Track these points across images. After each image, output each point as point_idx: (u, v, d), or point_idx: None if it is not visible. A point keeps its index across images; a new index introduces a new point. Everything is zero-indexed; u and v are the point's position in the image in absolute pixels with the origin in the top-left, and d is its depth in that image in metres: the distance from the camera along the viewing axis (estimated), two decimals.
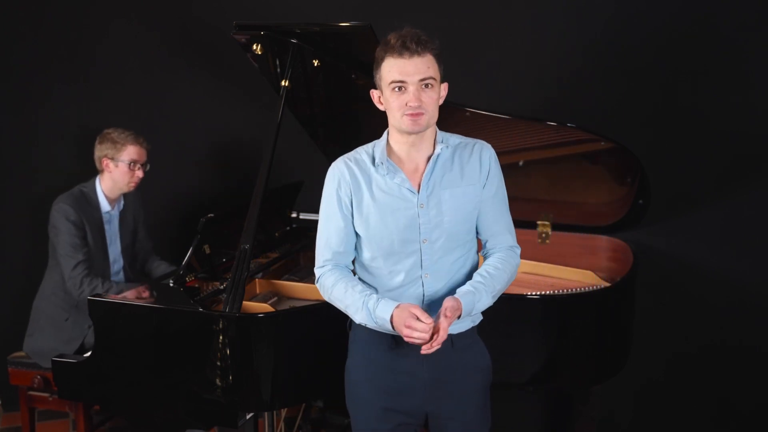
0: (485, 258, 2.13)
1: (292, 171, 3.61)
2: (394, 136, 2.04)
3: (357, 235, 2.06)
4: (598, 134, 2.87)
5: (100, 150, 3.11)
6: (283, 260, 3.17)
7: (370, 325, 1.98)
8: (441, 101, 1.99)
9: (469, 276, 2.07)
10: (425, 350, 1.89)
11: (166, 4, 3.68)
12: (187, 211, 3.81)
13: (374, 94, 2.03)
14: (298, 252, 3.30)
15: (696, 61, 3.27)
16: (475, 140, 2.10)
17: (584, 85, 3.37)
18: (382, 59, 1.95)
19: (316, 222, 3.55)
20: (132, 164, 3.10)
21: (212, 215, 2.77)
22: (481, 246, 2.16)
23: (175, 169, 3.86)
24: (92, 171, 3.18)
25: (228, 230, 2.98)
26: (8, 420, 3.72)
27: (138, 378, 2.53)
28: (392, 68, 1.92)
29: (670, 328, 3.41)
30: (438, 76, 1.95)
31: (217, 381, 2.40)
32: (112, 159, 3.08)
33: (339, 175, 2.04)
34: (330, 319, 2.52)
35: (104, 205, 3.13)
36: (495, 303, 2.04)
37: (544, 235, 3.30)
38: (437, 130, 2.05)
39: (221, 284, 2.81)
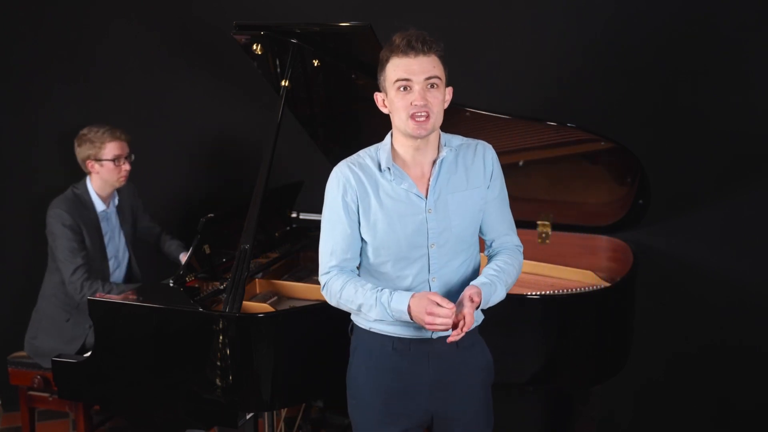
0: (490, 257, 2.13)
1: (292, 171, 3.61)
2: (398, 139, 2.01)
3: (363, 240, 2.04)
4: (598, 134, 2.87)
5: (80, 153, 3.08)
6: (283, 260, 3.17)
7: (387, 319, 1.97)
8: (446, 105, 1.98)
9: (473, 277, 2.07)
10: (453, 338, 1.87)
11: (166, 4, 3.68)
12: (186, 210, 3.81)
13: (378, 97, 2.02)
14: (298, 252, 3.30)
15: (696, 61, 3.27)
16: (477, 141, 2.09)
17: (584, 85, 3.37)
18: (387, 60, 1.94)
19: (316, 222, 3.59)
20: (116, 160, 3.07)
21: (212, 215, 2.77)
22: (483, 246, 2.16)
23: (174, 168, 3.86)
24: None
25: (228, 230, 2.98)
26: (8, 420, 3.72)
27: (138, 378, 2.53)
28: (397, 67, 1.91)
29: (670, 328, 3.41)
30: (443, 78, 1.94)
31: (217, 381, 2.40)
32: (95, 160, 3.06)
33: (344, 180, 2.01)
34: (330, 319, 2.52)
35: (99, 205, 3.12)
36: (496, 303, 2.03)
37: (544, 235, 3.30)
38: (440, 132, 2.04)
39: (221, 284, 2.81)
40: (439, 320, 1.85)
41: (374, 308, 1.96)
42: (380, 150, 2.04)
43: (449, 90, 1.99)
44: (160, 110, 3.77)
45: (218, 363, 2.40)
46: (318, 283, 3.02)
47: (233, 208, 3.06)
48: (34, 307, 3.15)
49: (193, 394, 2.45)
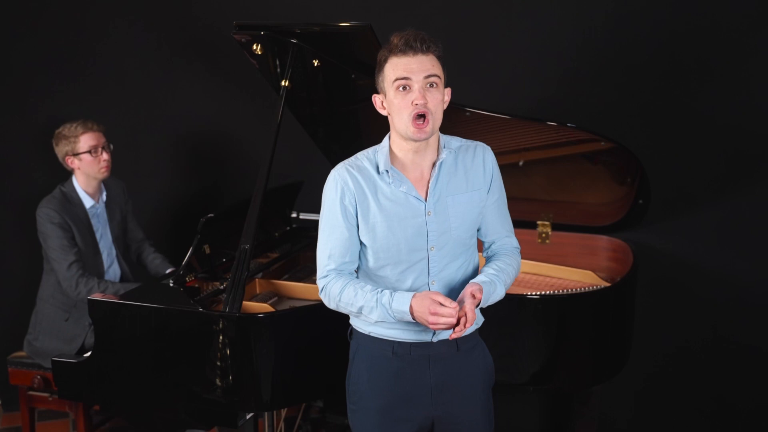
0: (489, 258, 2.13)
1: (292, 171, 3.61)
2: (397, 142, 2.00)
3: (362, 243, 2.03)
4: (598, 134, 2.87)
5: (59, 151, 3.11)
6: (283, 260, 3.17)
7: (389, 320, 1.96)
8: (445, 106, 1.96)
9: (472, 278, 2.07)
10: (456, 335, 1.87)
11: (166, 4, 3.68)
12: (186, 210, 3.81)
13: (376, 99, 2.00)
14: (298, 252, 3.30)
15: (696, 60, 3.27)
16: (476, 142, 2.08)
17: (584, 85, 3.37)
18: (386, 60, 1.93)
19: (316, 222, 3.57)
20: (93, 151, 3.08)
21: (212, 215, 2.77)
22: (481, 246, 2.16)
23: (174, 168, 3.86)
24: None
25: (228, 230, 2.98)
26: (8, 420, 3.71)
27: (138, 378, 2.53)
28: (396, 66, 1.90)
29: (670, 328, 3.41)
30: (442, 77, 1.93)
31: (217, 381, 2.40)
32: (73, 155, 3.08)
33: (342, 183, 1.98)
34: (330, 320, 2.52)
35: (86, 201, 3.13)
36: (495, 303, 2.03)
37: (544, 235, 3.29)
38: (439, 134, 2.03)
39: (221, 284, 2.81)
40: (442, 320, 1.85)
41: (375, 310, 1.95)
42: (378, 152, 2.02)
43: (448, 91, 1.98)
44: (160, 110, 3.77)
45: (218, 363, 2.40)
46: None
47: (233, 207, 3.06)
48: (33, 309, 3.15)
49: (193, 394, 2.45)
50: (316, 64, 2.83)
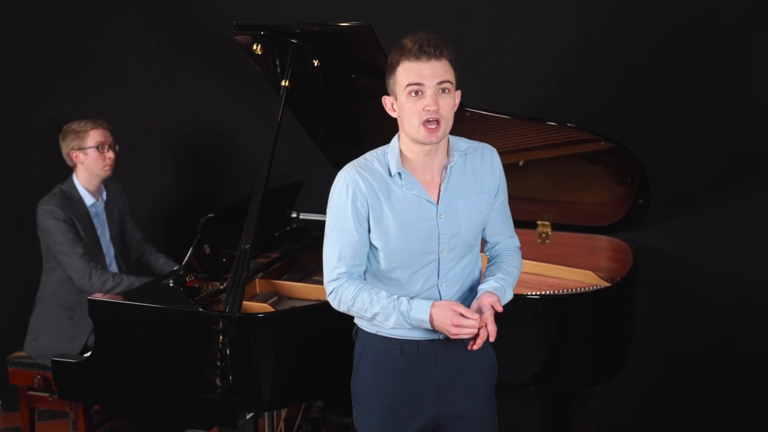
0: (492, 258, 2.15)
1: (292, 171, 3.61)
2: (407, 144, 1.98)
3: (372, 246, 2.01)
4: (598, 134, 2.87)
5: (66, 145, 3.12)
6: (283, 260, 3.17)
7: (405, 327, 1.97)
8: (455, 108, 1.95)
9: (477, 277, 2.08)
10: (477, 346, 1.90)
11: (166, 4, 3.68)
12: (186, 210, 3.81)
13: (386, 100, 1.99)
14: (298, 252, 3.30)
15: (697, 60, 3.27)
16: (482, 144, 2.09)
17: (584, 85, 3.37)
18: (398, 63, 1.91)
19: (315, 222, 3.59)
20: (100, 147, 3.09)
21: (212, 215, 2.77)
22: (482, 245, 2.17)
23: (174, 168, 3.86)
24: None
25: (228, 230, 2.98)
26: (8, 420, 3.71)
27: (138, 378, 2.53)
28: (409, 71, 1.88)
29: (670, 328, 3.41)
30: (454, 82, 1.92)
31: (217, 381, 2.40)
32: (80, 149, 3.09)
33: (354, 185, 1.96)
34: (330, 320, 2.52)
35: (87, 199, 3.13)
36: None
37: (544, 235, 3.29)
38: (449, 136, 2.02)
39: (221, 284, 2.81)
40: (465, 330, 1.88)
41: (392, 317, 1.95)
42: (388, 154, 2.00)
43: (458, 93, 1.97)
44: (160, 110, 3.77)
45: (218, 363, 2.40)
46: (318, 283, 3.03)
47: (233, 207, 3.06)
48: (32, 310, 3.15)
49: (193, 394, 2.45)
50: (316, 64, 2.83)
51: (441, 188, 1.99)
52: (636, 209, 3.12)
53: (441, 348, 2.03)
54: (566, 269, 3.14)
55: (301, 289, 2.89)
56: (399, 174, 1.97)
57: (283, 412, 3.32)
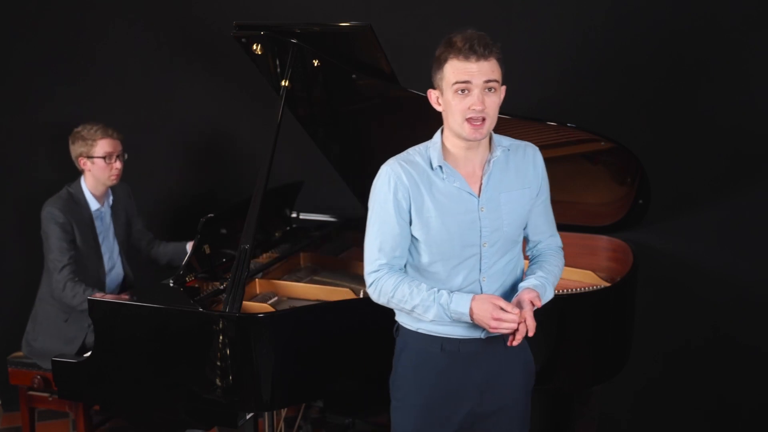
0: (534, 257, 2.15)
1: (292, 171, 3.61)
2: (450, 139, 1.99)
3: (413, 238, 2.02)
4: (598, 134, 2.87)
5: (74, 150, 3.10)
6: (283, 260, 3.17)
7: (445, 320, 1.97)
8: (500, 104, 1.96)
9: (519, 276, 2.09)
10: (517, 341, 1.90)
11: (166, 4, 3.68)
12: (186, 210, 3.81)
13: (432, 94, 1.99)
14: (298, 252, 3.30)
15: (697, 59, 3.27)
16: (525, 142, 2.10)
17: (584, 84, 3.37)
18: (446, 60, 1.91)
19: (316, 222, 3.59)
20: (107, 158, 3.08)
21: (212, 215, 2.77)
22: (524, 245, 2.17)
23: (174, 168, 3.86)
24: None
25: (228, 230, 2.98)
26: (8, 420, 3.72)
27: (138, 378, 2.53)
28: (458, 70, 1.88)
29: (670, 328, 3.41)
30: (501, 80, 1.93)
31: (217, 381, 2.40)
32: (87, 157, 3.07)
33: (395, 178, 1.97)
34: (330, 320, 2.52)
35: (93, 203, 3.12)
36: None
37: None
38: (491, 131, 2.02)
39: (221, 284, 2.81)
40: (505, 324, 1.88)
41: (431, 309, 1.95)
42: (430, 148, 2.02)
43: (503, 89, 1.97)
44: (160, 110, 3.77)
45: (218, 363, 2.40)
46: (319, 283, 3.04)
47: (233, 208, 3.06)
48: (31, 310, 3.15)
49: (193, 394, 2.45)
50: (316, 64, 2.83)
51: (483, 181, 1.99)
52: (636, 209, 3.12)
53: (482, 347, 2.03)
54: (566, 269, 3.12)
55: (301, 289, 2.89)
56: (440, 167, 1.98)
57: (283, 412, 3.32)
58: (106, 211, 3.19)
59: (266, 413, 2.92)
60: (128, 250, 3.32)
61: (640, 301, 2.98)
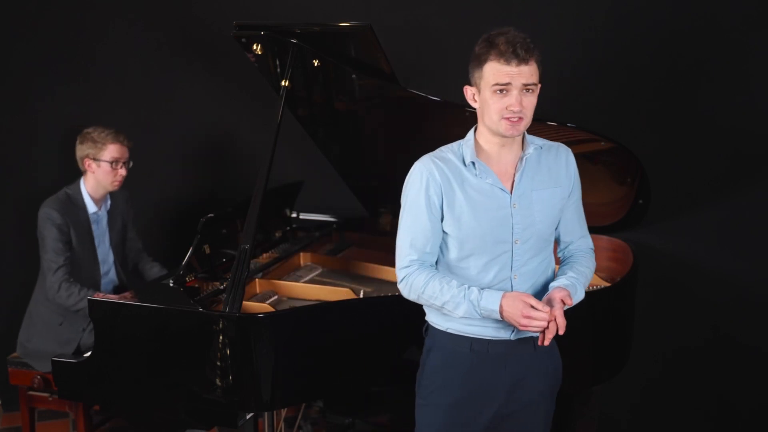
0: (565, 259, 2.15)
1: (292, 171, 3.61)
2: (484, 135, 2.00)
3: (445, 233, 2.02)
4: (598, 134, 2.87)
5: (81, 150, 3.08)
6: (283, 260, 3.17)
7: (474, 317, 1.96)
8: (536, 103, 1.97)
9: (551, 276, 2.08)
10: (548, 341, 1.89)
11: (166, 4, 3.68)
12: (186, 211, 3.81)
13: (468, 91, 2.00)
14: (298, 252, 3.30)
15: (696, 59, 3.27)
16: (557, 143, 2.10)
17: (584, 84, 3.37)
18: (486, 61, 1.91)
19: (316, 222, 3.59)
20: (114, 163, 3.07)
21: (212, 215, 2.77)
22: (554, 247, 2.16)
23: (174, 168, 3.86)
24: None
25: (228, 230, 2.98)
26: (8, 420, 3.72)
27: (138, 378, 2.53)
28: (498, 72, 1.89)
29: (670, 328, 3.41)
30: (538, 81, 1.94)
31: (217, 381, 2.40)
32: (93, 159, 3.06)
33: (428, 174, 1.98)
34: (330, 320, 2.52)
35: (90, 206, 3.11)
36: None
37: None
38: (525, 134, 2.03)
39: (221, 284, 2.81)
40: (535, 323, 1.87)
41: (461, 306, 1.94)
42: (463, 146, 2.03)
43: (539, 87, 1.97)
44: (160, 110, 3.77)
45: (218, 363, 2.40)
46: (319, 283, 3.04)
47: (233, 208, 3.06)
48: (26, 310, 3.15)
49: (193, 394, 2.45)
50: (316, 64, 2.83)
51: (515, 178, 2.00)
52: (636, 209, 3.12)
53: (510, 348, 2.02)
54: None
55: (301, 289, 2.89)
56: (473, 163, 1.99)
57: (283, 412, 3.32)
58: (103, 215, 3.19)
59: (266, 413, 2.92)
60: (122, 256, 3.32)
61: (640, 301, 2.98)
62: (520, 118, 1.91)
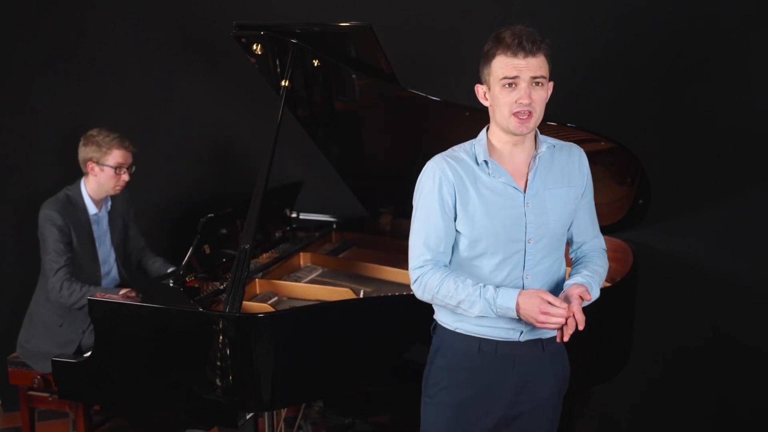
0: (578, 259, 2.15)
1: (292, 171, 3.61)
2: (496, 134, 2.00)
3: (458, 232, 2.01)
4: (598, 134, 2.87)
5: (84, 152, 3.06)
6: (283, 260, 3.17)
7: (490, 316, 1.94)
8: (547, 99, 1.97)
9: (562, 277, 2.07)
10: (566, 337, 1.88)
11: (166, 4, 3.68)
12: (186, 211, 3.81)
13: (479, 89, 2.00)
14: (298, 252, 3.30)
15: (696, 59, 3.27)
16: (570, 143, 2.10)
17: (584, 84, 3.37)
18: (494, 56, 1.92)
19: (316, 222, 3.59)
20: (117, 168, 3.05)
21: (212, 215, 2.77)
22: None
23: (174, 169, 3.86)
24: None
25: (228, 230, 2.98)
26: (8, 420, 3.72)
27: (138, 378, 2.53)
28: (505, 66, 1.89)
29: (670, 328, 3.41)
30: (548, 75, 1.93)
31: (217, 381, 2.40)
32: (97, 163, 3.04)
33: (440, 173, 1.98)
34: (330, 320, 2.52)
35: (91, 208, 3.11)
36: None
37: None
38: (536, 130, 2.02)
39: (221, 284, 2.81)
40: (553, 319, 1.85)
41: (477, 304, 1.93)
42: (476, 145, 2.02)
43: (551, 85, 1.98)
44: (160, 110, 3.77)
45: (218, 363, 2.40)
46: (319, 283, 3.04)
47: (233, 208, 3.06)
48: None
49: (193, 394, 2.45)
50: (316, 64, 2.83)
51: (528, 177, 1.99)
52: (636, 209, 3.12)
53: (519, 350, 2.01)
54: (567, 269, 3.14)
55: (301, 289, 2.89)
56: (486, 162, 1.98)
57: (283, 412, 3.32)
58: (104, 216, 3.18)
59: (266, 413, 2.92)
60: (124, 256, 3.32)
61: (640, 301, 2.98)
62: (530, 114, 1.90)
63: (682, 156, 3.31)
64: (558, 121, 2.89)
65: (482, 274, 2.00)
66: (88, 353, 2.61)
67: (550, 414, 2.12)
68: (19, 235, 3.69)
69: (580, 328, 1.88)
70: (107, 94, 3.71)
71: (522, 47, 1.87)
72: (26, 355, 3.07)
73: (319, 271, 3.20)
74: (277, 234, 3.39)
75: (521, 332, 1.99)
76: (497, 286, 1.95)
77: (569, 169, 2.05)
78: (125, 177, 3.09)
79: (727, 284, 3.32)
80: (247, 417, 2.59)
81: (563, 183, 2.03)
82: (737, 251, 3.29)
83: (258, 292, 2.90)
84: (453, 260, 2.06)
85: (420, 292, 2.02)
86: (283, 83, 2.73)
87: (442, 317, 2.08)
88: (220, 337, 2.39)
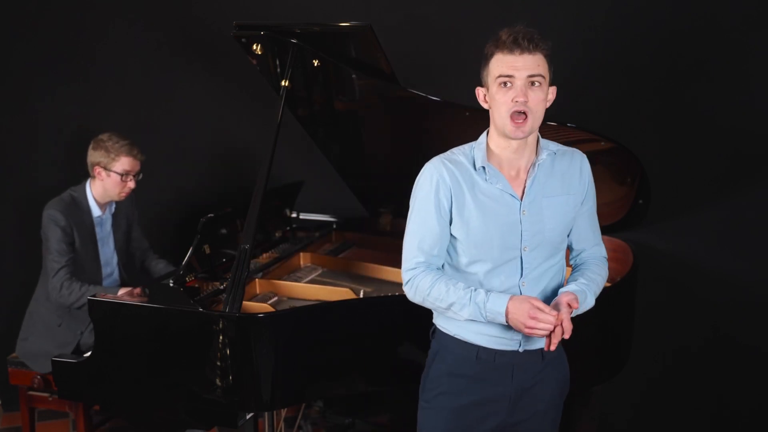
0: (577, 266, 2.13)
1: (292, 171, 3.61)
2: (495, 139, 1.97)
3: (453, 237, 1.99)
4: (598, 134, 2.87)
5: (93, 156, 3.06)
6: (283, 260, 3.17)
7: (479, 320, 1.93)
8: (548, 104, 1.94)
9: (560, 284, 2.06)
10: (554, 345, 1.85)
11: (166, 4, 3.68)
12: (186, 211, 3.81)
13: (479, 92, 1.98)
14: (298, 252, 3.30)
15: (696, 59, 3.27)
16: (573, 149, 2.07)
17: (584, 85, 3.37)
18: (492, 55, 1.91)
19: (316, 222, 3.59)
20: (124, 175, 3.05)
21: (212, 215, 2.77)
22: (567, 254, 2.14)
23: (174, 169, 3.86)
24: None
25: (228, 230, 2.98)
26: (8, 420, 3.72)
27: (138, 378, 2.53)
28: (501, 63, 1.88)
29: (670, 328, 3.41)
30: (547, 77, 1.91)
31: (217, 381, 2.40)
32: (104, 168, 3.04)
33: (438, 176, 1.96)
34: (330, 320, 2.52)
35: (95, 210, 3.11)
36: None
37: None
38: (539, 135, 2.00)
39: (221, 284, 2.81)
40: (541, 325, 1.83)
41: (467, 307, 1.92)
42: (475, 149, 2.00)
43: (552, 89, 1.96)
44: (160, 110, 3.77)
45: (218, 363, 2.40)
46: (319, 283, 3.04)
47: (233, 208, 3.06)
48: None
49: (193, 394, 2.45)
50: (316, 64, 2.83)
51: (526, 184, 1.97)
52: (636, 209, 3.11)
53: (519, 359, 2.00)
54: (567, 269, 3.14)
55: (301, 289, 2.89)
56: (483, 168, 1.96)
57: (283, 412, 3.32)
58: (107, 219, 3.19)
59: (266, 413, 2.92)
60: (126, 258, 3.32)
61: (640, 301, 2.98)
62: (526, 117, 1.87)
63: (682, 156, 3.31)
64: (558, 121, 2.89)
65: (477, 279, 1.98)
66: (88, 353, 2.61)
67: (551, 420, 2.11)
68: (19, 235, 3.69)
69: (566, 337, 1.86)
70: (107, 94, 3.71)
71: (518, 44, 1.86)
72: (25, 354, 3.07)
73: (319, 271, 3.20)
74: (277, 234, 3.39)
75: (521, 343, 1.98)
76: (488, 291, 1.93)
77: (570, 176, 2.02)
78: (131, 184, 3.09)
79: (727, 284, 3.32)
80: (247, 417, 2.59)
81: (562, 191, 2.01)
82: (737, 251, 3.29)
83: (258, 292, 2.90)
84: (448, 264, 2.05)
85: (411, 293, 2.01)
86: (283, 83, 2.73)
87: (441, 322, 2.07)
88: (220, 337, 2.39)
